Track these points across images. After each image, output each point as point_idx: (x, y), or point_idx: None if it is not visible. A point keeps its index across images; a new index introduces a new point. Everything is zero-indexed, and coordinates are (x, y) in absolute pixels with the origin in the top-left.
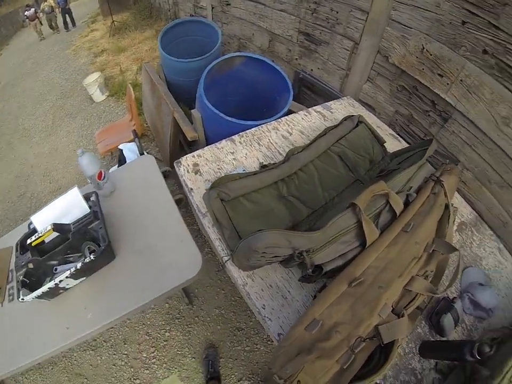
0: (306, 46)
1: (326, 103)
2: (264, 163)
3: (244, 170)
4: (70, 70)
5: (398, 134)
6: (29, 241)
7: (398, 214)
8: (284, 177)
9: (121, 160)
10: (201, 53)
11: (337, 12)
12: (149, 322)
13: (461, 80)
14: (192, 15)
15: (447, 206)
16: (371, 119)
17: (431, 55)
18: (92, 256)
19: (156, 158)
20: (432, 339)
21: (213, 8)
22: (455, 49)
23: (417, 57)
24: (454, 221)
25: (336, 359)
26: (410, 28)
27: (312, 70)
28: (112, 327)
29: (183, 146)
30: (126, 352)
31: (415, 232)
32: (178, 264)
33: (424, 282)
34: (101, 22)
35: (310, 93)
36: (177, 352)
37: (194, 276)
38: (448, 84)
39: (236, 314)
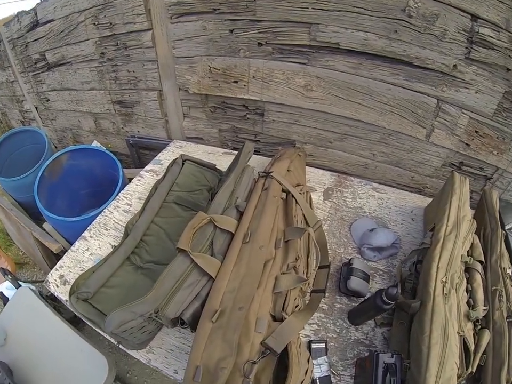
0: (124, 112)
1: (155, 158)
2: (116, 245)
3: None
4: None
5: (233, 148)
6: None
7: (234, 230)
8: (133, 249)
9: (5, 302)
10: (38, 161)
11: (134, 71)
12: None
13: (253, 77)
14: (22, 121)
15: (288, 192)
16: (201, 149)
17: (219, 70)
18: None
19: (40, 281)
20: (356, 305)
21: (37, 108)
22: (236, 55)
23: (209, 77)
24: (307, 197)
25: None
26: (193, 57)
27: (138, 131)
28: None
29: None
30: None
31: (255, 238)
32: (90, 374)
33: (289, 277)
34: None
35: (148, 152)
36: None
37: (107, 376)
38: (245, 85)
39: None
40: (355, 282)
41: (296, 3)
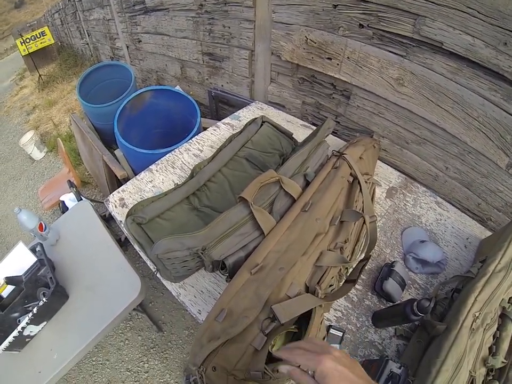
0: (212, 65)
1: (234, 113)
2: (178, 183)
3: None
4: (6, 133)
5: (313, 123)
6: None
7: (296, 197)
8: (194, 191)
9: (65, 211)
10: (121, 94)
11: (229, 27)
12: (127, 359)
13: (348, 58)
14: (112, 57)
15: (356, 177)
16: (281, 116)
17: (315, 43)
18: (44, 299)
19: (99, 201)
20: (383, 307)
21: (128, 47)
22: (335, 32)
23: (304, 48)
24: (371, 189)
25: (250, 342)
26: (291, 24)
27: (222, 85)
28: (94, 372)
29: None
30: None
31: (315, 210)
32: (122, 290)
33: (333, 254)
34: (29, 78)
35: (227, 107)
36: (160, 380)
37: (136, 296)
38: (338, 64)
39: None
40: (391, 285)
41: None
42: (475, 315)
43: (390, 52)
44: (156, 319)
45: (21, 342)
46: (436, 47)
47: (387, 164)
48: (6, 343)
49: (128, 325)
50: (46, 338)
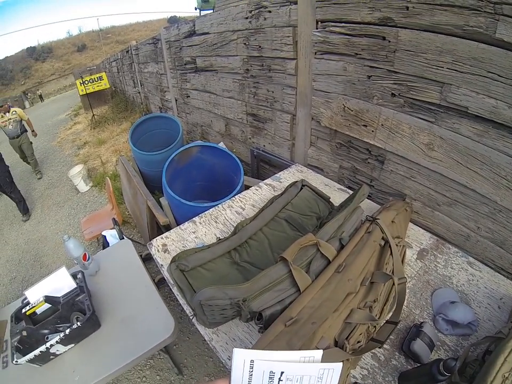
0: (255, 125)
1: (276, 175)
2: (221, 237)
3: (203, 245)
4: (56, 162)
5: (348, 186)
6: (23, 311)
7: (331, 258)
8: (235, 247)
9: (105, 245)
10: (169, 144)
11: (273, 92)
12: None
13: (382, 125)
14: (161, 108)
15: (387, 241)
16: (319, 179)
17: (351, 111)
18: (78, 323)
19: (138, 242)
20: (410, 368)
21: (176, 100)
22: (369, 100)
23: (342, 115)
24: (402, 251)
25: None
26: (330, 93)
27: (264, 145)
28: None
29: (161, 230)
30: None
31: (347, 271)
32: (155, 328)
33: (363, 313)
34: (82, 115)
35: (268, 166)
36: None
37: (169, 336)
38: (373, 131)
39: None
40: (419, 346)
41: (432, 61)
42: (504, 375)
43: (420, 118)
44: (178, 362)
45: (45, 358)
46: (462, 112)
47: (419, 226)
48: (31, 355)
49: (149, 363)
50: (71, 360)
